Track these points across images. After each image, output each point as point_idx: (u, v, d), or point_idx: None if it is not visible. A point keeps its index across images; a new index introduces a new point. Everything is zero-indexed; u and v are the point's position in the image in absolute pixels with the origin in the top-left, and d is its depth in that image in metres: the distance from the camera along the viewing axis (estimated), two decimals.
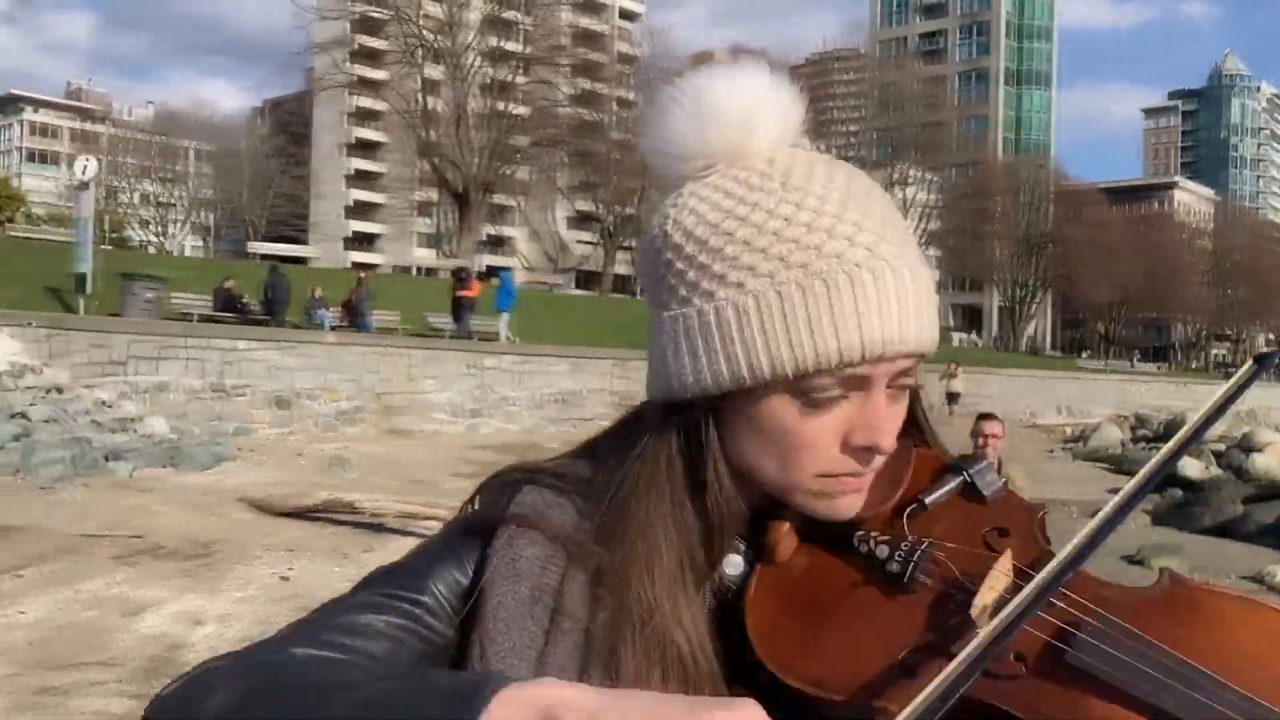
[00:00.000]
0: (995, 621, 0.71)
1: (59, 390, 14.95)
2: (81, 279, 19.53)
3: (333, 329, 21.93)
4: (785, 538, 0.86)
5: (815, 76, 78.27)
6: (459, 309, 24.29)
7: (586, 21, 73.32)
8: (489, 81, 54.10)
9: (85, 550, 8.62)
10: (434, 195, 60.39)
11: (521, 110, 54.89)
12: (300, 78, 66.57)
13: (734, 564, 0.88)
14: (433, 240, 65.96)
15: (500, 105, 52.82)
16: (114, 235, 58.23)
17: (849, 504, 0.85)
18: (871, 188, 0.85)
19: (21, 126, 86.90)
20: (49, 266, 21.35)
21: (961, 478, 0.88)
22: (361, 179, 78.28)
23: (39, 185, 75.03)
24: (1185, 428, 0.81)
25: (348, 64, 58.61)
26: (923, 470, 0.89)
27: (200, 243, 76.51)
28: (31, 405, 13.76)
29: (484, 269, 64.35)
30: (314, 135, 78.50)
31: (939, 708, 0.65)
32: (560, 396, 21.44)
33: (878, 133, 73.40)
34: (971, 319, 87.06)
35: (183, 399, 16.71)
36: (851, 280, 0.79)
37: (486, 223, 61.33)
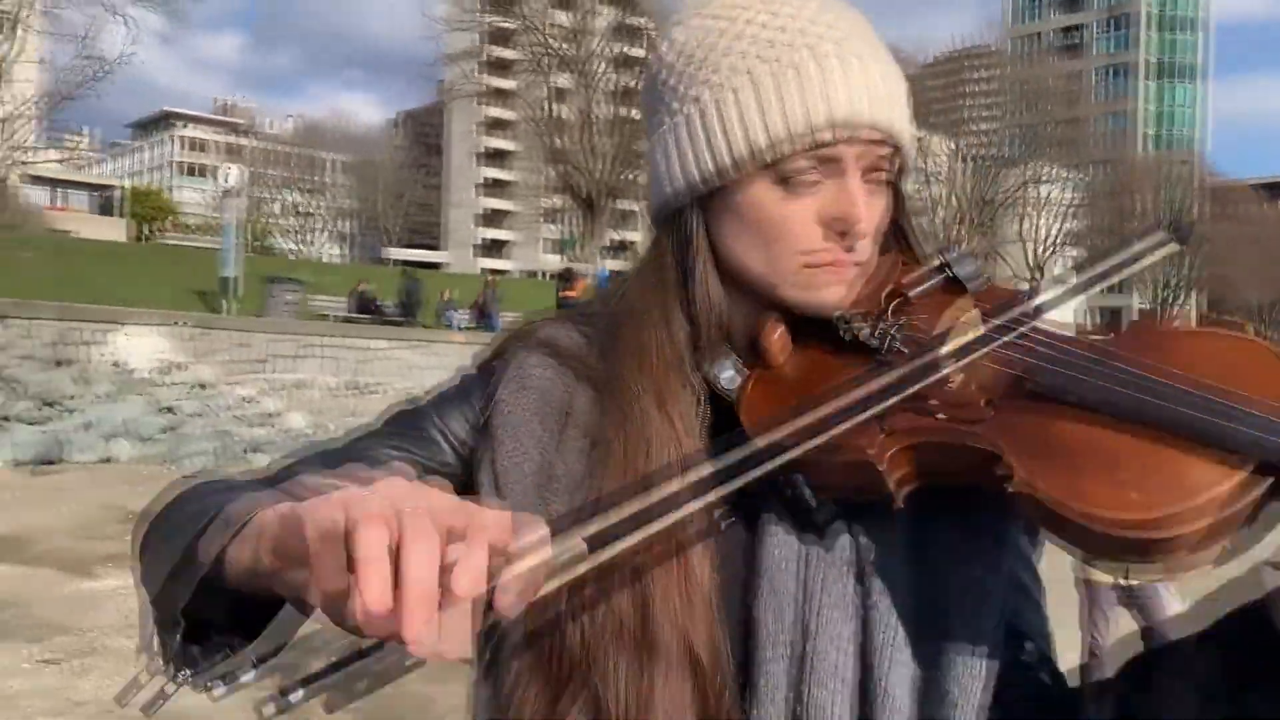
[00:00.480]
0: (953, 344, 0.79)
1: (204, 386, 15.66)
2: (226, 282, 20.40)
3: (462, 329, 22.42)
4: (777, 341, 0.90)
5: (947, 75, 76.67)
6: (564, 308, 24.55)
7: None
8: (615, 88, 54.55)
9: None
10: (562, 202, 61.16)
11: None
12: (433, 89, 68.35)
13: (728, 375, 0.91)
14: (561, 246, 66.83)
15: (625, 111, 53.20)
16: (259, 243, 60.74)
17: (833, 294, 0.88)
18: (847, 7, 0.91)
19: (175, 142, 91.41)
20: (197, 271, 22.38)
21: (944, 273, 0.91)
22: (493, 187, 79.90)
23: (190, 197, 78.78)
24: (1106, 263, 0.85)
25: (478, 74, 59.91)
26: (908, 272, 0.92)
27: (339, 250, 79.22)
28: (179, 400, 14.46)
29: (608, 273, 64.96)
30: (447, 145, 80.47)
31: (874, 403, 0.75)
32: None
33: (1013, 130, 71.43)
34: (1113, 321, 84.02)
35: (320, 396, 17.29)
36: (820, 67, 0.85)
37: (611, 228, 61.78)
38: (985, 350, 0.79)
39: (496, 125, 74.96)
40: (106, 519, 9.01)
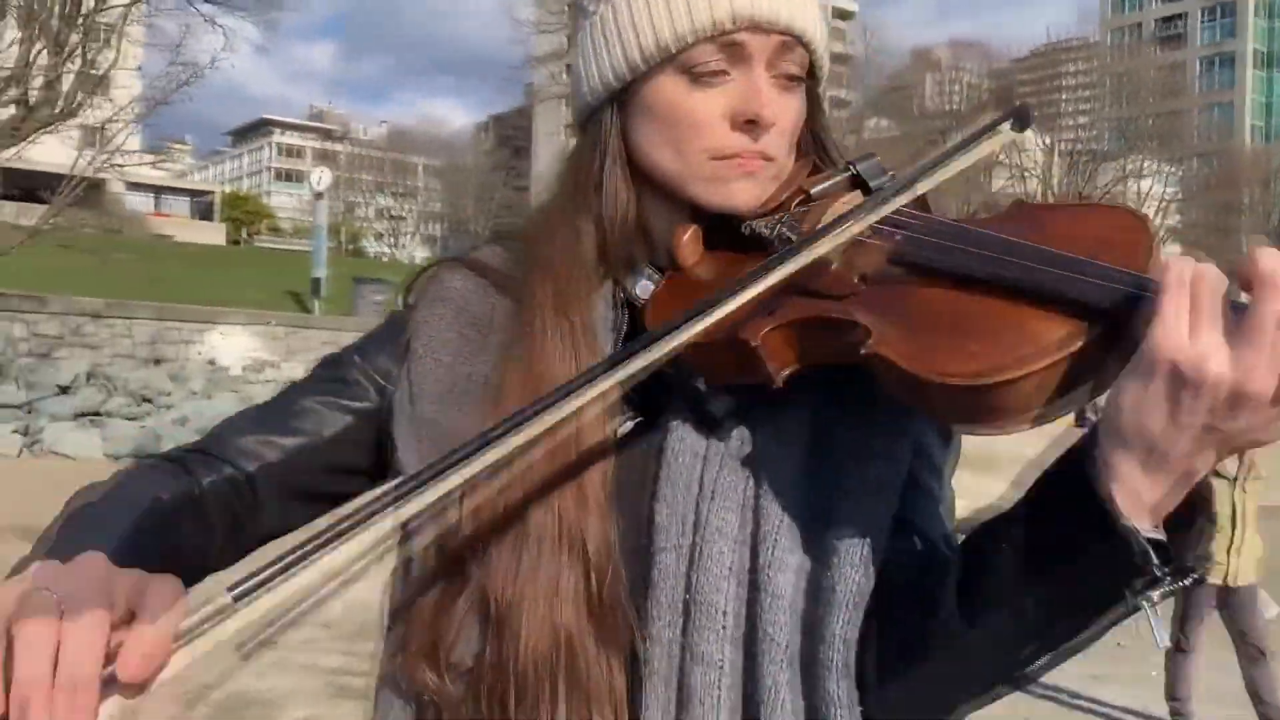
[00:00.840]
0: (822, 226, 0.82)
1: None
2: (317, 283, 20.88)
3: None
4: (688, 244, 0.92)
5: (1042, 68, 75.08)
6: None
7: None
8: None
9: (311, 528, 9.15)
10: None
11: None
12: (520, 92, 69.02)
13: (642, 285, 0.94)
14: None
15: None
16: (351, 246, 62.09)
17: (742, 189, 0.90)
18: None
19: (271, 148, 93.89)
20: (289, 273, 22.95)
21: (849, 172, 0.92)
22: None
23: (284, 202, 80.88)
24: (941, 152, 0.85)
25: (564, 75, 60.32)
26: (817, 174, 0.94)
27: (428, 252, 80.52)
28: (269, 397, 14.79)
29: None
30: (533, 147, 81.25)
31: (750, 288, 0.77)
32: None
33: (1111, 124, 69.59)
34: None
35: None
36: None
37: None
38: (849, 226, 0.81)
39: None
40: None
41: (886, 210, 0.83)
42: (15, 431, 10.09)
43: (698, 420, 0.89)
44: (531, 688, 0.83)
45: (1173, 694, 5.37)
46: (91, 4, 25.47)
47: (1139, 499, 0.71)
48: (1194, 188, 70.80)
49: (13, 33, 22.15)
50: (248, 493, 0.94)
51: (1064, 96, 73.83)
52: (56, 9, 23.81)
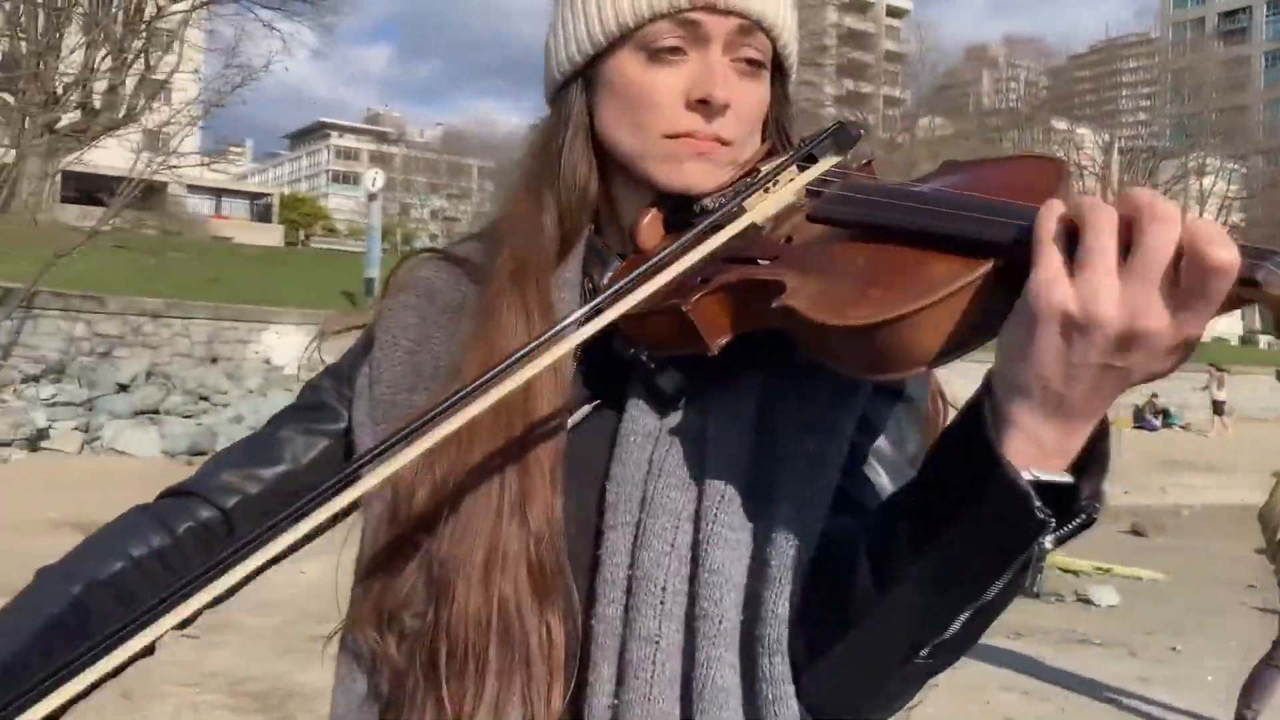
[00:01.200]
0: (754, 196, 0.86)
1: None
2: (370, 282, 21.10)
3: None
4: (648, 226, 0.93)
5: (1098, 65, 73.83)
6: None
7: (852, 21, 72.25)
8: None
9: None
10: None
11: None
12: None
13: (609, 273, 0.96)
14: None
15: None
16: (405, 248, 62.70)
17: (695, 170, 0.91)
18: None
19: (328, 151, 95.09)
20: (344, 273, 23.22)
21: (802, 150, 0.92)
22: None
23: (341, 203, 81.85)
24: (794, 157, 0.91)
25: None
26: (773, 157, 0.95)
27: None
28: None
29: None
30: None
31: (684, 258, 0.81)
32: None
33: (1171, 120, 68.26)
34: None
35: None
36: None
37: None
38: (774, 192, 0.85)
39: None
40: None
41: (813, 175, 0.86)
42: (76, 429, 10.36)
43: (651, 400, 0.90)
44: (462, 650, 0.85)
45: (1248, 702, 5.20)
46: (154, 10, 26.05)
47: (1041, 445, 0.69)
48: (1257, 185, 69.16)
49: (76, 38, 22.74)
50: (223, 530, 1.00)
51: (1123, 93, 72.54)
52: (120, 15, 24.38)
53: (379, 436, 0.90)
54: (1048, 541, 0.68)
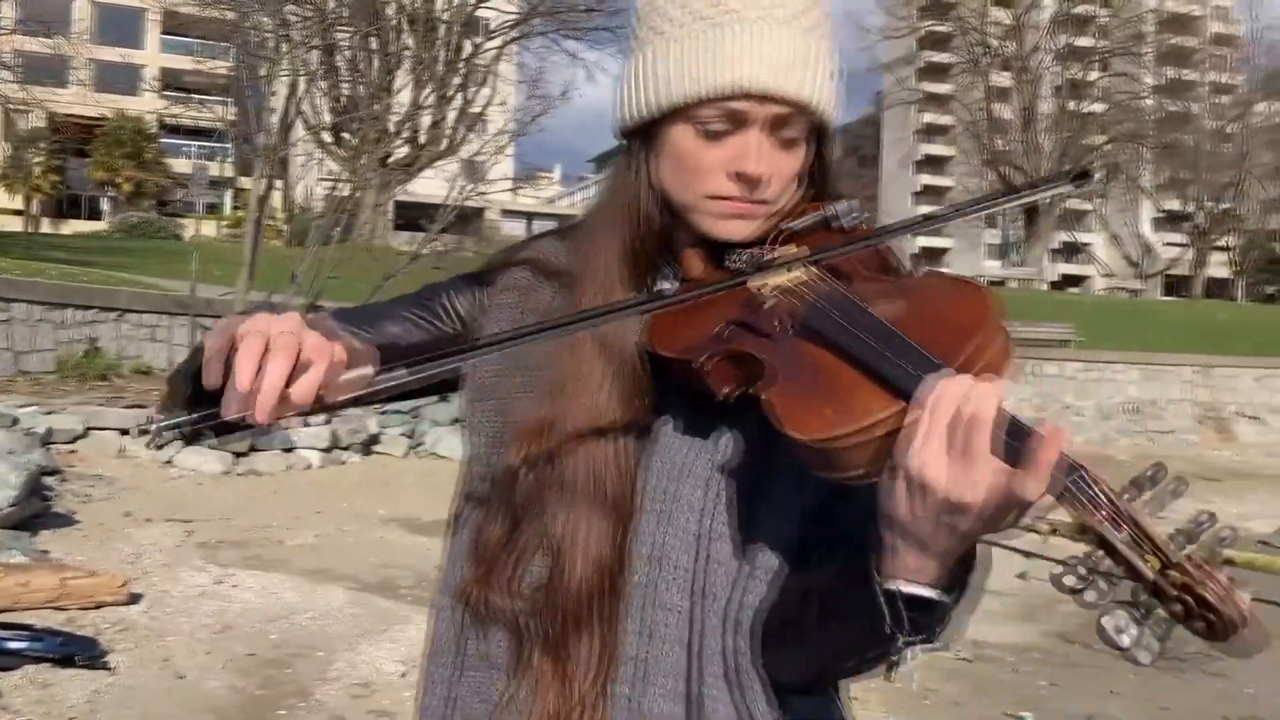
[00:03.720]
0: (760, 271, 1.01)
1: None
2: None
3: None
4: (695, 261, 1.09)
5: None
6: None
7: (1173, 5, 66.94)
8: (1061, 81, 51.60)
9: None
10: None
11: (1097, 107, 51.62)
12: (868, 100, 68.22)
13: (665, 286, 1.11)
14: (1002, 251, 64.14)
15: (1073, 104, 50.13)
16: None
17: (734, 227, 1.06)
18: None
19: None
20: None
21: (825, 212, 1.07)
22: (928, 194, 78.46)
23: None
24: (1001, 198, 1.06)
25: (912, 81, 59.17)
26: (807, 212, 1.08)
27: None
28: None
29: (1058, 278, 61.15)
30: (881, 154, 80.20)
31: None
32: (1132, 405, 19.82)
33: None
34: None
35: None
36: (738, 31, 1.02)
37: (1060, 229, 58.28)
38: (744, 278, 1.01)
39: (932, 131, 73.52)
40: None
41: (811, 260, 1.01)
42: (402, 435, 11.27)
43: (688, 409, 1.06)
44: (574, 615, 1.04)
45: None
46: (470, 49, 28.16)
47: (907, 568, 0.86)
48: None
49: (404, 78, 24.92)
50: None
51: None
52: (441, 54, 26.52)
53: (481, 413, 1.14)
54: (905, 649, 0.88)
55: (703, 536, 1.02)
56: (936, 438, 0.82)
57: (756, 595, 1.01)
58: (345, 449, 10.68)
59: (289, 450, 10.10)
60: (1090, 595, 0.78)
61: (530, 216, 52.19)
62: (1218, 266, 60.60)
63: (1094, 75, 52.90)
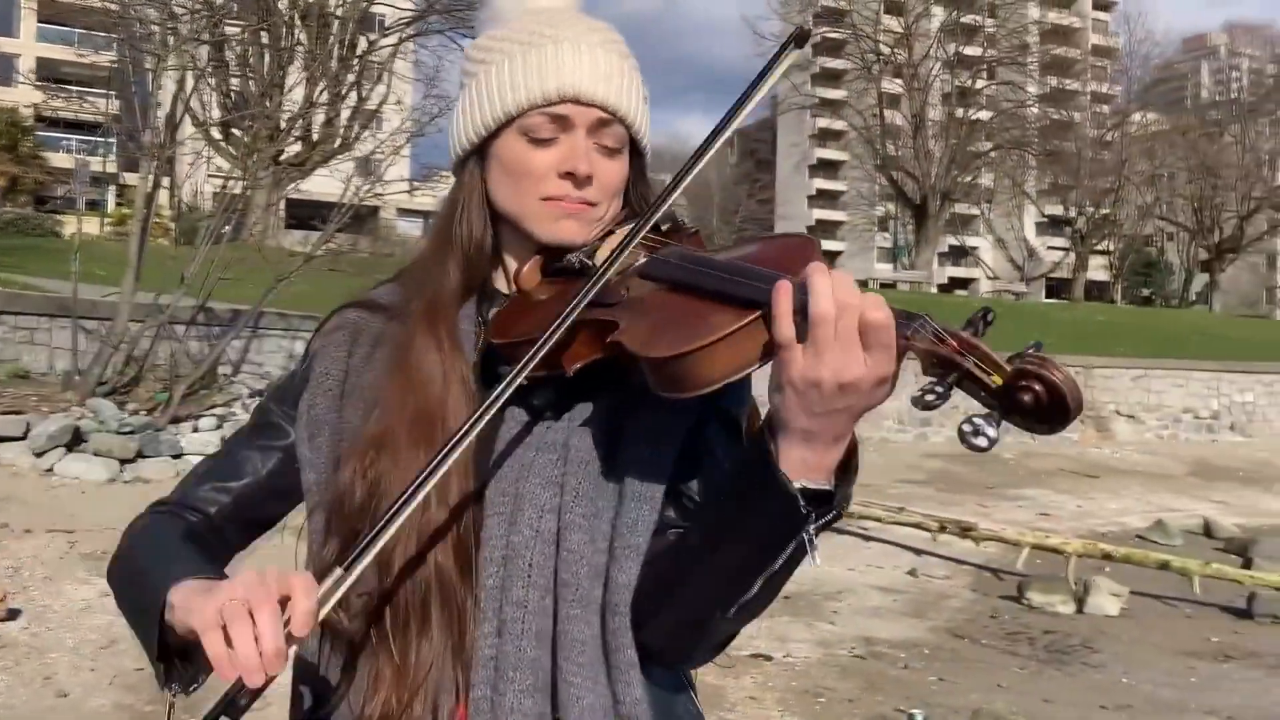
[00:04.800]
0: (602, 261, 1.09)
1: None
2: None
3: None
4: (527, 273, 1.18)
5: None
6: None
7: (1055, 17, 69.32)
8: (950, 89, 52.97)
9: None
10: (894, 209, 59.99)
11: (983, 115, 53.14)
12: (764, 105, 69.03)
13: (498, 306, 1.20)
14: (893, 255, 65.52)
15: (961, 112, 51.52)
16: None
17: (567, 227, 1.17)
18: (588, 17, 1.22)
19: None
20: None
21: (642, 215, 1.14)
22: (823, 198, 79.78)
23: None
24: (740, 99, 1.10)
25: (808, 86, 60.14)
26: (628, 220, 1.18)
27: None
28: None
29: (947, 281, 62.71)
30: (777, 159, 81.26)
31: (564, 321, 1.02)
32: None
33: None
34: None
35: None
36: (559, 48, 1.16)
37: (948, 233, 59.84)
38: (623, 255, 1.09)
39: (826, 136, 74.73)
40: None
41: (642, 231, 1.11)
42: None
43: (527, 411, 1.14)
44: (404, 612, 1.10)
45: None
46: (365, 45, 27.65)
47: (804, 463, 0.94)
48: None
49: (296, 75, 24.36)
50: (213, 530, 1.24)
51: None
52: (335, 50, 25.98)
53: (316, 448, 1.19)
54: (811, 529, 0.96)
55: (552, 531, 1.07)
56: (820, 334, 0.89)
57: (630, 574, 1.06)
58: None
59: (177, 457, 9.85)
60: (942, 405, 0.87)
61: (427, 215, 51.45)
62: (1097, 270, 62.84)
63: (981, 84, 54.37)
